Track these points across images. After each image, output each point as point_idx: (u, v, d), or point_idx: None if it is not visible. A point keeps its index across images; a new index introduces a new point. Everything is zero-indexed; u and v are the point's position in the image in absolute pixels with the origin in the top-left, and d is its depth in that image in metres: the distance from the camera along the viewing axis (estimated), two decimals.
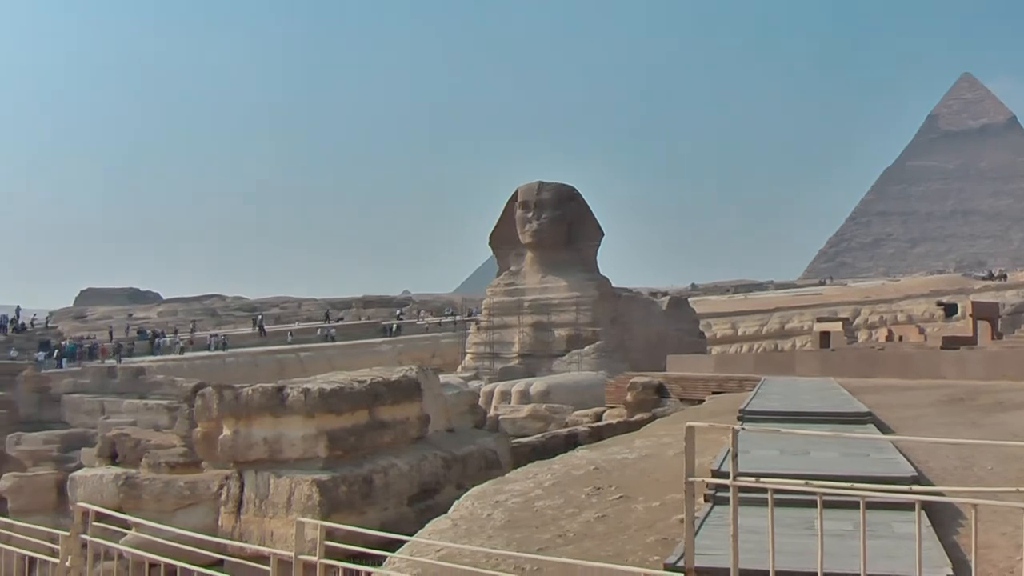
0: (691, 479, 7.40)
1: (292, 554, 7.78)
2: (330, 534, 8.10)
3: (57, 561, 9.56)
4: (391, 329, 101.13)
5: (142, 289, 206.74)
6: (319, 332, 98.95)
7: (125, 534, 14.36)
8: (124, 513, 10.78)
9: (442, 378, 33.24)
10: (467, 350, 74.43)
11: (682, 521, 12.62)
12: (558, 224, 69.44)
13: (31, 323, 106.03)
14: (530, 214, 69.58)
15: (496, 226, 73.95)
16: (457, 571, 9.89)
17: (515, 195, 72.03)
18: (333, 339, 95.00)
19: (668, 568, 9.08)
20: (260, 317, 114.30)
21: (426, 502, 24.15)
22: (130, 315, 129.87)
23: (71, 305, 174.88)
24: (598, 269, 72.25)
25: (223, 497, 24.31)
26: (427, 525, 16.71)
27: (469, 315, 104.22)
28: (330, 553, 8.26)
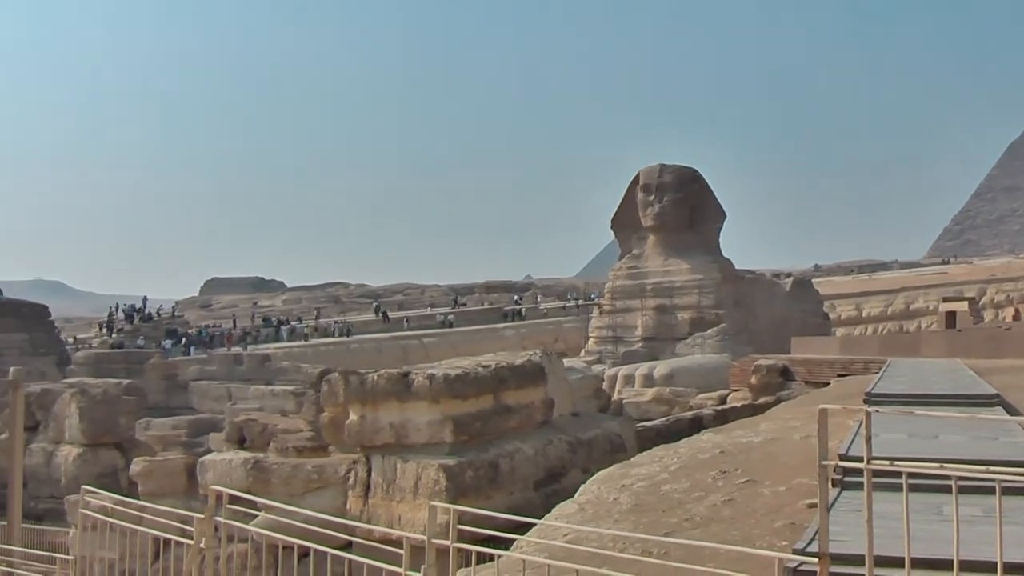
0: (825, 463, 7.29)
1: (424, 537, 7.83)
2: (458, 518, 8.14)
3: (191, 542, 9.72)
4: (512, 314, 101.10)
5: (266, 278, 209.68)
6: (437, 319, 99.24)
7: (255, 517, 14.57)
8: (253, 496, 10.92)
9: (566, 362, 33.23)
10: (590, 334, 74.28)
11: (810, 506, 12.50)
12: (680, 206, 68.97)
13: (158, 313, 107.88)
14: (652, 197, 69.20)
15: (618, 210, 73.65)
16: (585, 554, 9.88)
17: (636, 178, 71.69)
18: (451, 325, 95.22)
19: (797, 553, 8.97)
20: (376, 304, 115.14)
21: (552, 486, 24.14)
22: (255, 303, 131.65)
23: (197, 295, 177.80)
24: (721, 251, 71.65)
25: (351, 481, 24.53)
26: (554, 509, 16.71)
27: (588, 299, 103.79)
28: (459, 537, 8.31)
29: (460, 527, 8.35)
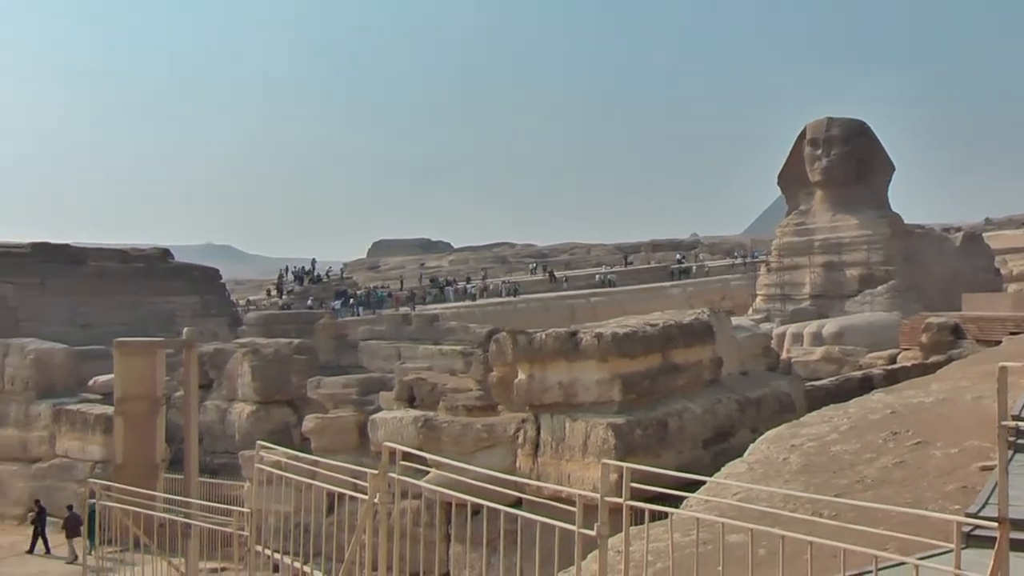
0: (1004, 423, 7.10)
1: (596, 495, 7.85)
2: (630, 476, 8.15)
3: (364, 497, 9.87)
4: (679, 272, 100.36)
5: (433, 239, 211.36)
6: (596, 278, 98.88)
7: (425, 474, 14.75)
8: (424, 453, 11.06)
9: (733, 320, 32.97)
10: (757, 292, 73.49)
11: (982, 469, 12.26)
12: (848, 160, 67.58)
13: (326, 274, 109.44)
14: (819, 151, 67.98)
15: (784, 165, 72.58)
16: (755, 513, 9.83)
17: (803, 132, 70.52)
18: (612, 284, 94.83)
19: (971, 517, 8.77)
20: (534, 265, 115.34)
21: (720, 445, 24.04)
22: (422, 264, 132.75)
23: (364, 256, 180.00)
24: (889, 205, 70.08)
25: (520, 440, 24.71)
26: (723, 468, 16.66)
27: (752, 257, 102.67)
28: (630, 495, 8.32)
29: (631, 485, 8.37)
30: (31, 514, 36.30)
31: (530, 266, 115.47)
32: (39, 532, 35.80)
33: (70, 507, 35.67)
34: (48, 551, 35.45)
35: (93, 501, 35.25)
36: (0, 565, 33.87)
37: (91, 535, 34.56)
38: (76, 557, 34.03)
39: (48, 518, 36.10)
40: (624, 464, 7.96)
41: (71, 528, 34.73)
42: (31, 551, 35.53)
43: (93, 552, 34.12)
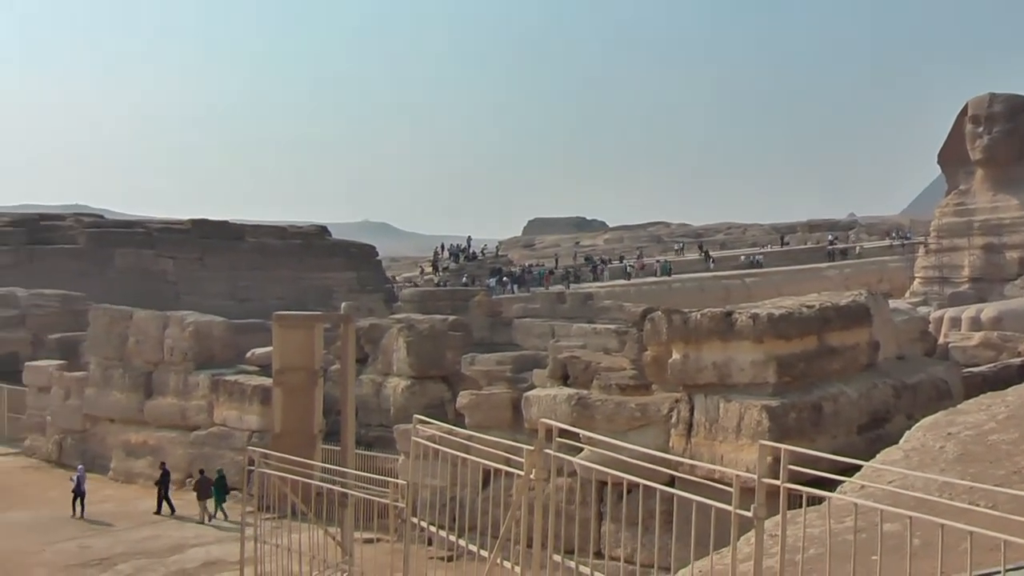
0: None
1: (753, 476, 7.82)
2: (779, 460, 8.09)
3: (519, 473, 9.94)
4: (835, 253, 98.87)
5: (588, 218, 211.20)
6: (742, 259, 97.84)
7: (577, 452, 14.80)
8: (580, 431, 11.09)
9: (891, 303, 32.49)
10: (915, 274, 72.30)
11: None
12: (1010, 138, 65.90)
13: (482, 252, 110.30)
14: (980, 128, 66.48)
15: (945, 142, 71.16)
16: (911, 501, 9.69)
17: (964, 109, 68.98)
18: (760, 265, 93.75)
19: None
20: (680, 245, 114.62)
21: (875, 431, 23.70)
22: (577, 243, 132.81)
23: (519, 234, 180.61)
24: None
25: (673, 420, 24.62)
26: (878, 455, 16.43)
27: (906, 239, 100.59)
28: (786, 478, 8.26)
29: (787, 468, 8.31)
30: (190, 480, 37.32)
31: (675, 247, 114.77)
32: (163, 494, 37.12)
33: (201, 471, 37.09)
34: (173, 511, 36.89)
35: (222, 471, 36.67)
36: (158, 527, 34.82)
37: (218, 498, 35.68)
38: (209, 518, 35.77)
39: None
40: (782, 446, 7.90)
41: (202, 491, 36.08)
42: (158, 511, 36.82)
43: (219, 513, 35.67)
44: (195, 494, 36.33)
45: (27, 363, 51.09)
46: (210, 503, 36.01)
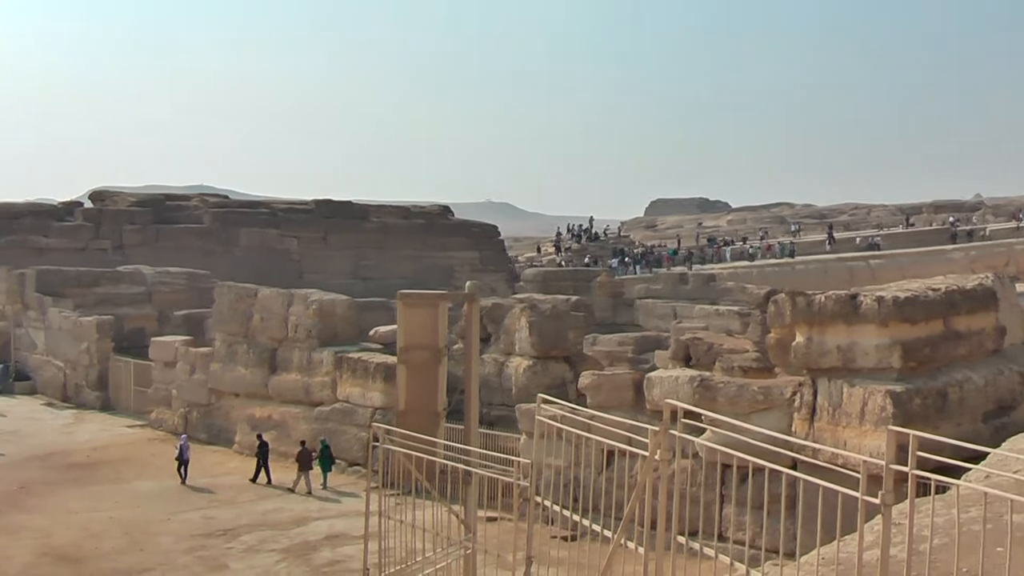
0: None
1: (880, 462, 7.74)
2: (903, 446, 7.99)
3: (645, 454, 9.95)
4: (961, 235, 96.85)
5: (711, 198, 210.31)
6: (857, 241, 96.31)
7: (697, 436, 14.77)
8: (705, 412, 11.06)
9: (1017, 287, 31.90)
10: None
11: None
12: None
13: (604, 233, 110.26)
14: None
15: None
16: None
17: None
18: (877, 248, 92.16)
19: None
20: (796, 227, 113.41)
21: (1001, 419, 23.28)
22: (699, 224, 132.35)
23: (642, 215, 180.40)
24: None
25: (796, 404, 24.41)
26: (1004, 443, 16.18)
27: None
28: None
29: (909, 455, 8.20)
30: (315, 453, 37.87)
31: (791, 228, 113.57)
32: (262, 464, 38.05)
33: (302, 443, 37.81)
34: (269, 481, 37.84)
35: (325, 439, 37.29)
36: (282, 500, 35.34)
37: (324, 468, 36.83)
38: (309, 489, 36.46)
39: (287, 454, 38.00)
40: (911, 432, 7.80)
41: (303, 462, 36.85)
42: (254, 480, 37.83)
43: (326, 486, 36.52)
44: (297, 465, 37.17)
45: (153, 338, 52.14)
46: (307, 474, 36.91)
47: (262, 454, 38.34)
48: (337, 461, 38.42)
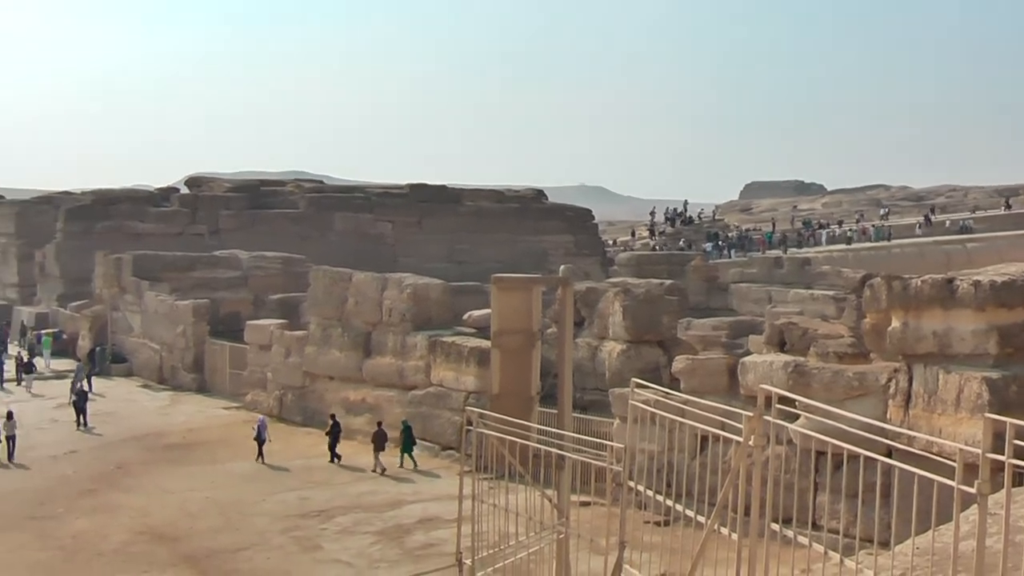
0: None
1: (979, 451, 7.65)
2: (1000, 434, 7.89)
3: (739, 439, 9.92)
4: None
5: (806, 181, 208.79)
6: (947, 224, 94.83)
7: (793, 420, 14.69)
8: (799, 398, 10.98)
9: None
10: None
11: None
12: None
13: (698, 216, 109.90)
14: None
15: None
16: None
17: None
18: (970, 231, 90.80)
19: None
20: (885, 211, 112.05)
21: None
22: (794, 207, 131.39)
23: (736, 198, 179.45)
24: None
25: (891, 390, 24.16)
26: None
27: None
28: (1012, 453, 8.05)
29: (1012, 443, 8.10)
30: (378, 433, 38.31)
31: (880, 211, 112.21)
32: (332, 443, 39.00)
33: (379, 423, 38.75)
34: (338, 460, 38.77)
35: (407, 422, 37.89)
36: (376, 483, 35.63)
37: (406, 449, 37.45)
38: (384, 469, 37.08)
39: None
40: (1008, 420, 7.70)
41: (378, 442, 37.64)
42: (332, 461, 38.64)
43: (404, 465, 37.23)
44: (373, 445, 37.90)
45: (249, 322, 52.75)
46: (380, 455, 37.54)
47: (333, 434, 39.10)
48: (431, 445, 38.82)
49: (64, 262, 76.14)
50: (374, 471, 37.03)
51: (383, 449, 37.53)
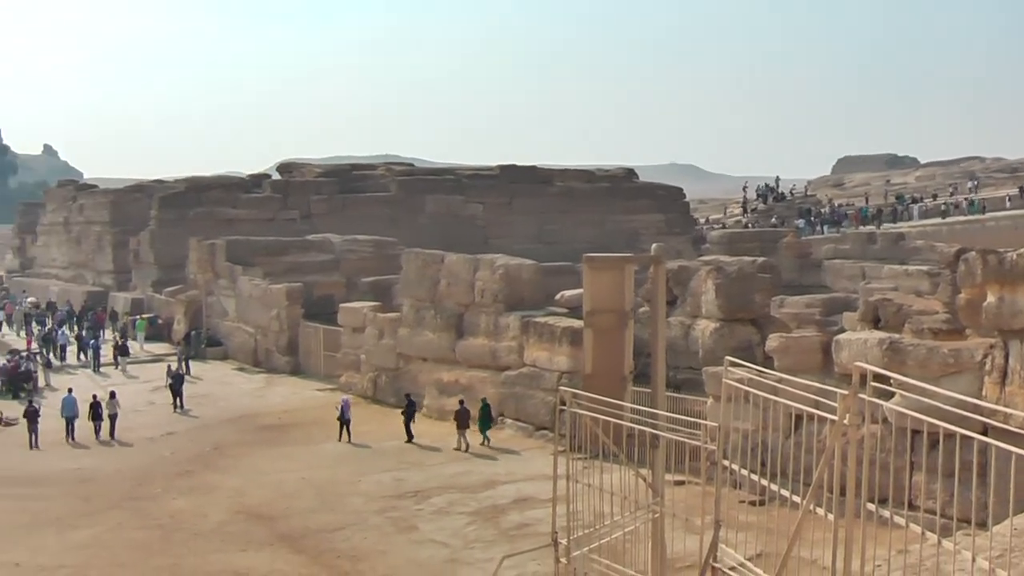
0: None
1: None
2: None
3: (833, 418, 9.86)
4: None
5: (899, 154, 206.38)
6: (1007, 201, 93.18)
7: (887, 398, 14.58)
8: (896, 376, 10.87)
9: None
10: None
11: None
12: None
13: (790, 192, 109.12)
14: None
15: None
16: None
17: None
18: None
19: None
20: (974, 183, 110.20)
21: None
22: (887, 181, 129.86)
23: (828, 173, 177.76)
24: None
25: (987, 367, 23.86)
26: None
27: None
28: None
29: None
30: (501, 418, 38.56)
31: (969, 184, 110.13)
32: (406, 422, 39.73)
33: (461, 401, 39.06)
34: (410, 439, 39.50)
35: (487, 400, 38.81)
36: (470, 463, 35.80)
37: (483, 426, 37.95)
38: (467, 446, 37.72)
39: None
40: None
41: (461, 420, 38.03)
42: (409, 440, 39.26)
43: (487, 444, 37.73)
44: (456, 423, 38.36)
45: (342, 304, 53.16)
46: (465, 433, 38.08)
47: (408, 413, 39.79)
48: (524, 425, 39.03)
49: (158, 249, 77.24)
50: (457, 449, 37.47)
51: (467, 427, 37.97)
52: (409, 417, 39.63)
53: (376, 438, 39.36)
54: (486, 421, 38.46)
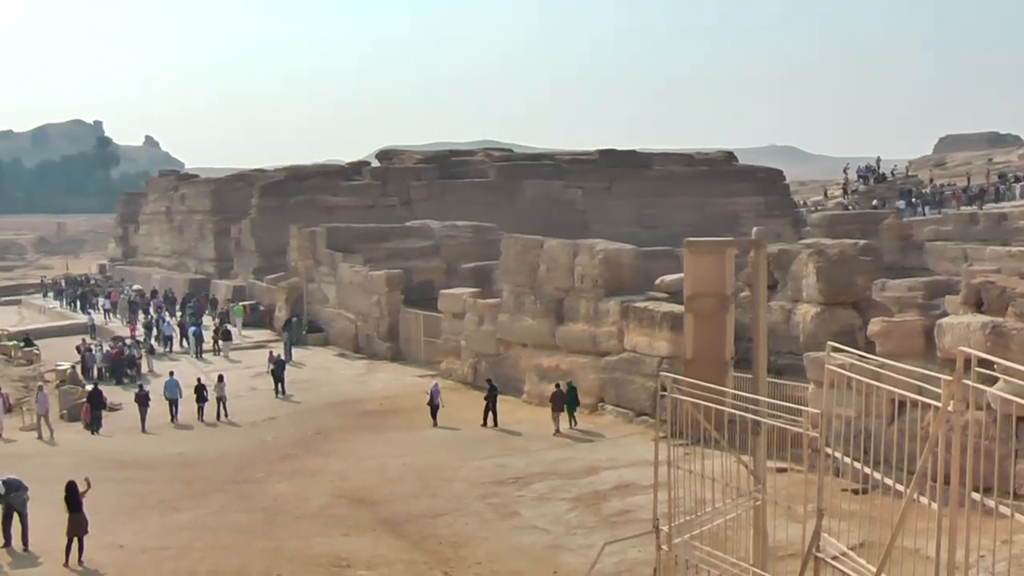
0: None
1: None
2: None
3: (937, 404, 9.77)
4: None
5: (1002, 132, 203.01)
6: None
7: (991, 383, 14.39)
8: (1000, 361, 10.71)
9: None
10: None
11: None
12: None
13: (891, 173, 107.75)
14: None
15: None
16: None
17: None
18: None
19: None
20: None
21: None
22: (989, 160, 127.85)
23: (930, 153, 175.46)
24: None
25: None
26: None
27: None
28: None
29: None
30: (601, 404, 38.71)
31: None
32: (490, 407, 40.02)
33: (556, 385, 39.28)
34: (485, 423, 39.94)
35: (565, 381, 39.13)
36: (572, 449, 35.78)
37: (571, 409, 38.28)
38: (557, 429, 38.01)
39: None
40: None
41: (556, 404, 38.35)
42: (484, 424, 39.84)
43: (574, 426, 38.22)
44: (551, 406, 38.68)
45: (442, 291, 53.50)
46: (559, 416, 38.36)
47: (491, 398, 40.09)
48: (625, 411, 39.03)
49: (259, 236, 78.27)
50: (556, 433, 37.71)
51: (562, 410, 38.23)
52: (492, 402, 39.93)
53: (479, 424, 39.52)
54: (572, 404, 38.79)
